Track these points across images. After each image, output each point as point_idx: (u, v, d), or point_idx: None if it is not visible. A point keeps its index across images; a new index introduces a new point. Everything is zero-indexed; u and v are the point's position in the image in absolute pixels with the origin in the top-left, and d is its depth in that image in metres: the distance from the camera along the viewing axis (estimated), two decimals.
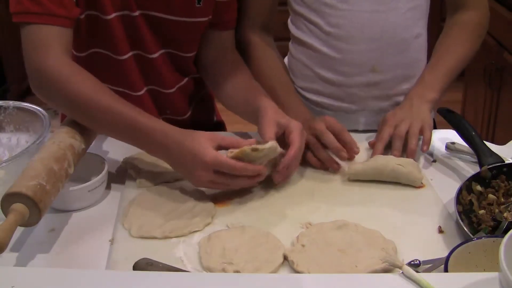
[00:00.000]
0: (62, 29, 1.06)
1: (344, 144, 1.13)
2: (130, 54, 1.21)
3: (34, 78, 1.06)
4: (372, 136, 1.25)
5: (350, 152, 1.14)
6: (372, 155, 1.15)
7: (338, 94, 1.33)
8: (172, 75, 1.28)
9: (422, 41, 1.34)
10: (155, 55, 1.23)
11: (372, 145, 1.21)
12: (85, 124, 1.07)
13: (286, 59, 1.42)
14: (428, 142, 1.16)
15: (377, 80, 1.31)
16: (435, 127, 1.23)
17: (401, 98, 1.33)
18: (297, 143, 1.05)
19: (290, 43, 1.40)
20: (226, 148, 1.01)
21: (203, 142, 0.98)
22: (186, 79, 1.32)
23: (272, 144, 1.00)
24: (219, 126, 1.50)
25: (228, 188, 1.04)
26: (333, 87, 1.33)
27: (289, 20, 1.37)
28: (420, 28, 1.31)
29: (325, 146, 1.14)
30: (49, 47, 1.04)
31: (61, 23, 1.05)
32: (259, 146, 0.99)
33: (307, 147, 1.14)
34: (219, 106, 1.51)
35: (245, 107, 1.19)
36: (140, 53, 1.22)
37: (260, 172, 1.01)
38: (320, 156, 1.14)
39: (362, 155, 1.18)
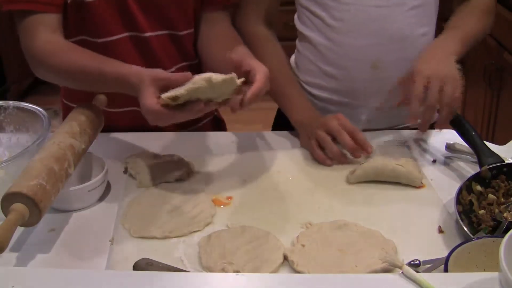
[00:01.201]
0: (48, 15, 1.13)
1: (357, 143, 1.15)
2: (124, 35, 1.22)
3: (28, 60, 1.15)
4: (373, 135, 1.25)
5: (363, 152, 1.16)
6: (410, 116, 1.11)
7: (340, 89, 1.34)
8: (169, 58, 1.28)
9: (428, 40, 1.33)
10: (149, 34, 1.24)
11: (403, 103, 1.16)
12: (76, 87, 1.18)
13: (292, 57, 1.43)
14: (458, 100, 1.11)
15: (378, 76, 1.31)
16: (432, 127, 1.22)
17: None
18: (260, 83, 1.00)
19: (297, 40, 1.41)
20: (169, 86, 0.98)
21: (145, 92, 0.97)
22: (184, 63, 1.32)
23: (189, 87, 0.92)
24: (219, 124, 1.50)
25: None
26: (335, 81, 1.34)
27: (295, 16, 1.39)
28: (426, 27, 1.31)
29: (336, 143, 1.16)
30: (35, 31, 1.12)
31: (44, 9, 1.13)
32: (178, 93, 0.93)
33: (318, 142, 1.17)
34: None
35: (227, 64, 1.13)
36: (134, 34, 1.23)
37: (198, 112, 0.97)
38: (331, 152, 1.16)
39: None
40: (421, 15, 1.29)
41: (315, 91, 1.37)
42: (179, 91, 0.93)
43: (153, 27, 1.24)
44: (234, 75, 0.94)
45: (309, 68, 1.36)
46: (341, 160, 1.17)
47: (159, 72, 0.99)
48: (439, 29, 1.34)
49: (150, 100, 0.95)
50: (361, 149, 1.16)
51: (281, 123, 1.37)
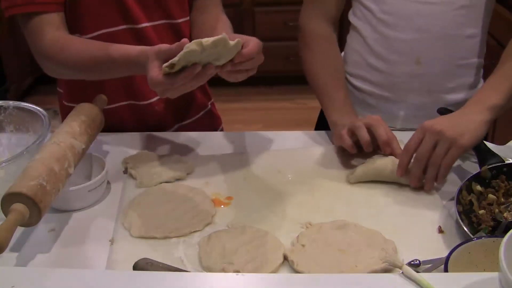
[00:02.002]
0: (50, 14, 1.15)
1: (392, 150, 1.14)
2: (120, 28, 1.23)
3: (39, 60, 1.18)
4: (409, 135, 1.21)
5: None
6: (398, 167, 1.08)
7: (382, 82, 1.35)
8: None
9: (475, 43, 1.31)
10: (145, 25, 1.25)
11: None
12: (89, 78, 1.22)
13: (343, 53, 1.44)
14: (442, 176, 1.06)
15: (420, 72, 1.31)
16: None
17: (444, 96, 1.33)
18: (252, 47, 1.01)
19: (348, 34, 1.42)
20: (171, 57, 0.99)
21: (150, 66, 0.99)
22: None
23: (182, 53, 0.93)
24: (214, 118, 1.50)
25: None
26: (378, 74, 1.34)
27: (350, 11, 1.40)
28: (473, 29, 1.29)
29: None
30: (41, 31, 1.15)
31: (46, 8, 1.15)
32: (173, 60, 0.94)
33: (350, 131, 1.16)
34: (219, 106, 1.51)
35: None
36: (130, 26, 1.24)
37: (198, 77, 0.98)
38: (362, 138, 1.13)
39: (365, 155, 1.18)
40: (469, 16, 1.28)
41: (357, 83, 1.38)
42: (175, 58, 0.94)
43: (150, 18, 1.25)
44: (224, 35, 0.94)
45: (355, 59, 1.38)
46: (368, 148, 1.14)
47: (161, 45, 1.00)
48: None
49: (153, 72, 0.97)
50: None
51: (324, 123, 1.37)
